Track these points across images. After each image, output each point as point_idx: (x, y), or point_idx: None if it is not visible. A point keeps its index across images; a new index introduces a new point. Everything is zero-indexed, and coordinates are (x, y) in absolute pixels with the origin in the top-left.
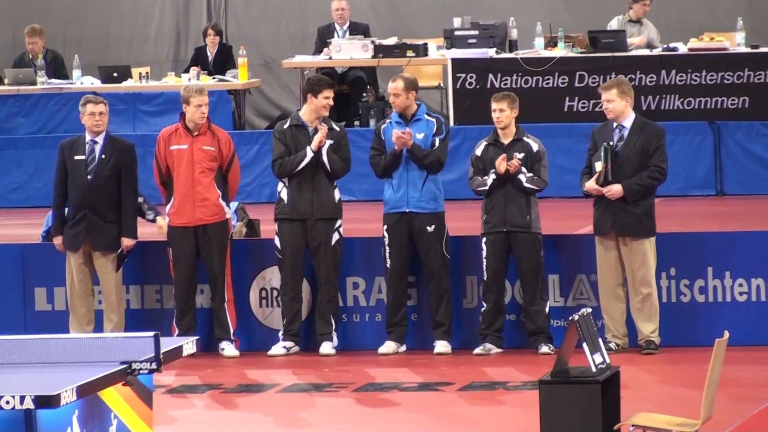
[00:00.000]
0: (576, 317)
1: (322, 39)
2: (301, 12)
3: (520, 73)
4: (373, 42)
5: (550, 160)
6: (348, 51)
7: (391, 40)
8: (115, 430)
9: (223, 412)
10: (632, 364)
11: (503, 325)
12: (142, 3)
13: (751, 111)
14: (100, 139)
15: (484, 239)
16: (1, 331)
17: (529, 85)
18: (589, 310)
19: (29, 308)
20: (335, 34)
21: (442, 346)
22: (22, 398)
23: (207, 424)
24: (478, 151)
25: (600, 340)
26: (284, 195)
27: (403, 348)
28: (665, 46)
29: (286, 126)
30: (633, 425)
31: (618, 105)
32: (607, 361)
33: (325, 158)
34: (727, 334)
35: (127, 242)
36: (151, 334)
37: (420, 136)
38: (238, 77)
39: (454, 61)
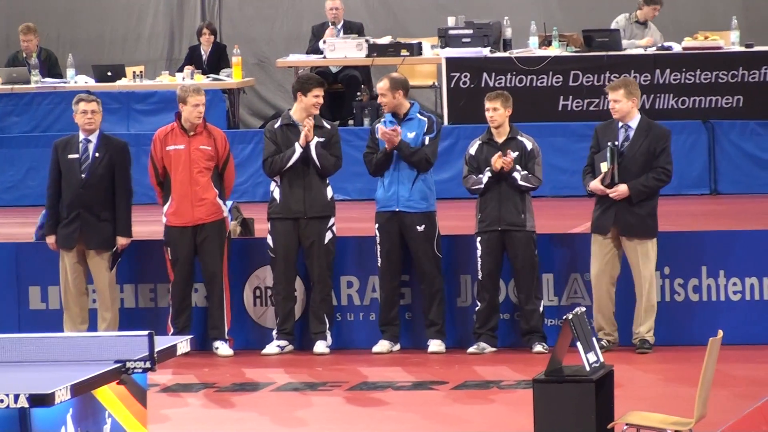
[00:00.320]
0: (570, 316)
1: (317, 38)
2: (295, 11)
3: (514, 72)
4: (367, 41)
5: (545, 159)
6: (342, 50)
7: (386, 39)
8: (110, 428)
9: (217, 411)
10: (626, 363)
11: (497, 324)
12: (137, 2)
13: (746, 110)
14: (93, 138)
15: (478, 238)
16: None
17: (523, 85)
18: (583, 309)
19: (23, 307)
20: (331, 31)
21: (435, 345)
22: (17, 397)
23: (201, 423)
24: (472, 150)
25: (594, 339)
26: (276, 194)
27: (397, 347)
28: (660, 44)
29: (277, 125)
30: (627, 424)
31: (625, 105)
32: (601, 360)
33: (313, 153)
34: (721, 332)
35: (121, 241)
36: (146, 333)
37: (411, 135)
38: (232, 76)
39: (449, 60)
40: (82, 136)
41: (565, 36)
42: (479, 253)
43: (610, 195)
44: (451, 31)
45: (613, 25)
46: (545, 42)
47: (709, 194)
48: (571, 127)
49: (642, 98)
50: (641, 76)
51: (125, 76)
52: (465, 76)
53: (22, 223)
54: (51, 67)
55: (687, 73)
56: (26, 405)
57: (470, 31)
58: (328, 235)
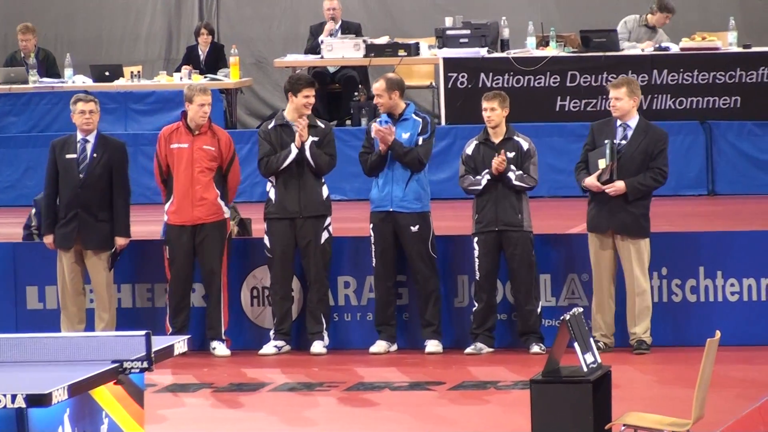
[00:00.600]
0: (567, 317)
1: (315, 37)
2: (292, 11)
3: (511, 73)
4: (364, 41)
5: (542, 159)
6: (340, 50)
7: (383, 40)
8: (107, 428)
9: (214, 411)
10: (624, 364)
11: (495, 324)
12: (134, 2)
13: (743, 111)
14: (91, 138)
15: (475, 239)
16: None
17: (520, 85)
18: (581, 309)
19: (21, 307)
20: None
21: (433, 345)
22: (14, 397)
23: (198, 423)
24: (469, 150)
25: (591, 339)
26: (272, 194)
27: (395, 347)
28: (657, 45)
29: (270, 126)
30: (624, 425)
31: (626, 104)
32: (599, 360)
33: (308, 153)
34: (718, 333)
35: (120, 241)
36: (143, 333)
37: (406, 135)
38: (230, 76)
39: (446, 60)
40: (79, 136)
41: (562, 36)
42: (476, 253)
43: (607, 191)
44: (449, 32)
45: (620, 25)
46: (543, 42)
47: (706, 195)
48: (568, 127)
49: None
50: (639, 77)
51: (123, 76)
52: (462, 77)
53: (20, 223)
54: (49, 67)
55: (684, 73)
56: (23, 405)
57: (468, 32)
58: (325, 235)
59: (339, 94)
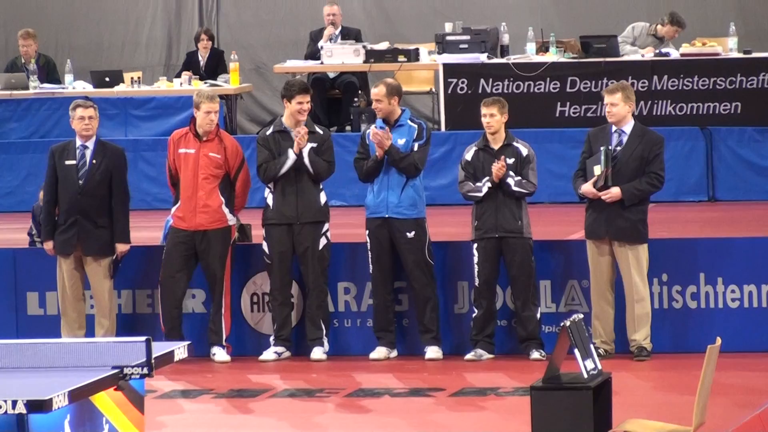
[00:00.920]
0: (567, 323)
1: (315, 43)
2: (292, 17)
3: (511, 79)
4: (364, 47)
5: (542, 165)
6: (339, 56)
7: (383, 45)
8: None
9: (214, 416)
10: (624, 370)
11: (494, 330)
12: (134, 8)
13: (744, 116)
14: (90, 144)
15: (475, 245)
16: None
17: (520, 91)
18: (581, 315)
19: (21, 313)
20: (330, 31)
21: (433, 351)
22: (14, 403)
23: (198, 429)
24: (468, 156)
25: (591, 346)
26: (270, 200)
27: (395, 353)
28: (657, 51)
29: (269, 132)
30: (624, 431)
31: (621, 109)
32: (599, 367)
33: (306, 160)
34: (719, 340)
35: (121, 248)
36: (143, 338)
37: (401, 141)
38: (230, 82)
39: (446, 66)
40: (78, 142)
41: (562, 42)
42: (476, 259)
43: (603, 197)
44: (449, 37)
45: (628, 29)
46: (542, 48)
47: (706, 201)
48: (568, 133)
49: (640, 104)
50: (639, 83)
51: (123, 82)
52: (462, 82)
53: (20, 228)
54: (49, 72)
55: (685, 79)
56: (24, 411)
57: (467, 37)
58: (323, 241)
59: (339, 99)
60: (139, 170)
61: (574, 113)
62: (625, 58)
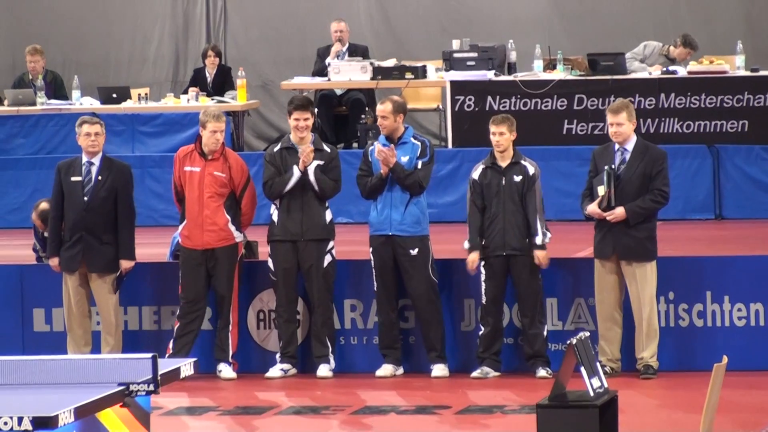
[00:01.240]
0: (574, 341)
1: (322, 60)
2: (300, 34)
3: (518, 96)
4: (372, 64)
5: (549, 183)
6: (347, 73)
7: (390, 62)
8: None
9: None
10: (630, 389)
11: (501, 348)
12: (142, 25)
13: (751, 135)
14: (96, 160)
15: (482, 263)
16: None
17: (527, 108)
18: (587, 333)
19: (27, 329)
20: (338, 47)
21: (439, 369)
22: (21, 419)
23: None
24: (476, 175)
25: (598, 364)
26: (275, 217)
27: (401, 371)
28: (665, 69)
29: (276, 149)
30: None
31: (627, 129)
32: (605, 385)
33: (312, 178)
34: (725, 358)
35: (125, 264)
36: (149, 355)
37: (405, 158)
38: (237, 98)
39: (453, 83)
40: (85, 158)
41: (569, 60)
42: (483, 277)
43: (608, 218)
44: (456, 54)
45: (640, 46)
46: (550, 65)
47: (713, 219)
48: (575, 150)
49: (647, 122)
50: (646, 100)
51: (130, 98)
52: (469, 99)
53: (27, 245)
54: (57, 89)
55: (692, 97)
56: (30, 428)
57: (475, 55)
58: (327, 259)
59: (346, 116)
60: (146, 186)
61: (581, 131)
62: (633, 75)
